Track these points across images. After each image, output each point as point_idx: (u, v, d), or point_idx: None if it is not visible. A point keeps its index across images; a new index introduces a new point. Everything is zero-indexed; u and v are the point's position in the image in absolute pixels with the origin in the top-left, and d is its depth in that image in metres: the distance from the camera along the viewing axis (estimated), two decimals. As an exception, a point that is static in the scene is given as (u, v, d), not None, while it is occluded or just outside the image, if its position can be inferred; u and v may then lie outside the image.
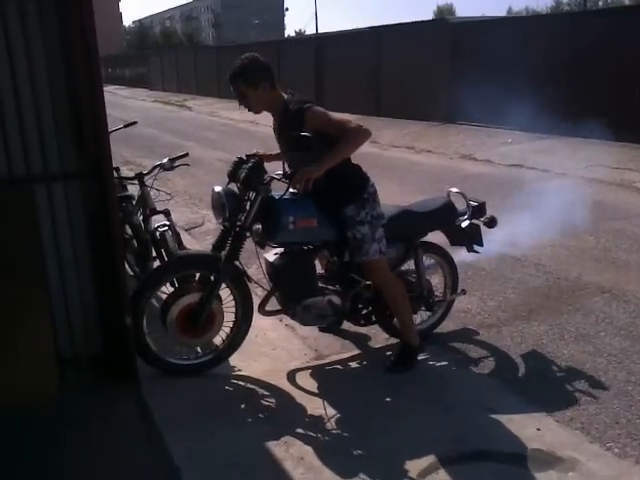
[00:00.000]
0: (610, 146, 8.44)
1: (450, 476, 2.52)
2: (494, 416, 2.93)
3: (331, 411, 3.00)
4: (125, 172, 5.42)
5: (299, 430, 2.85)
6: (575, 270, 4.71)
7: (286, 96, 3.13)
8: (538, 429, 2.82)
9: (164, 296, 3.42)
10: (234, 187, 3.25)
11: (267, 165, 3.24)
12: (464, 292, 3.80)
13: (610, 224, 5.39)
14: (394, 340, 3.62)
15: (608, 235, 5.29)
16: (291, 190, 3.12)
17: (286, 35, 71.95)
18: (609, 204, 5.90)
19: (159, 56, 30.92)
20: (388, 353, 3.55)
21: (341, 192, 3.16)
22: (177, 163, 4.31)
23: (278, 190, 3.16)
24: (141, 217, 4.26)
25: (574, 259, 4.89)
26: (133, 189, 4.42)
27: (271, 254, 3.33)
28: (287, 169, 3.18)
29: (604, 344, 3.61)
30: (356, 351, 3.62)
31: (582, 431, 2.82)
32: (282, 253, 3.27)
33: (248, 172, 3.12)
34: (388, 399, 3.13)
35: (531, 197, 5.83)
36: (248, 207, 3.16)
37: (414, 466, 2.58)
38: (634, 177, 7.42)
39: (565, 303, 4.18)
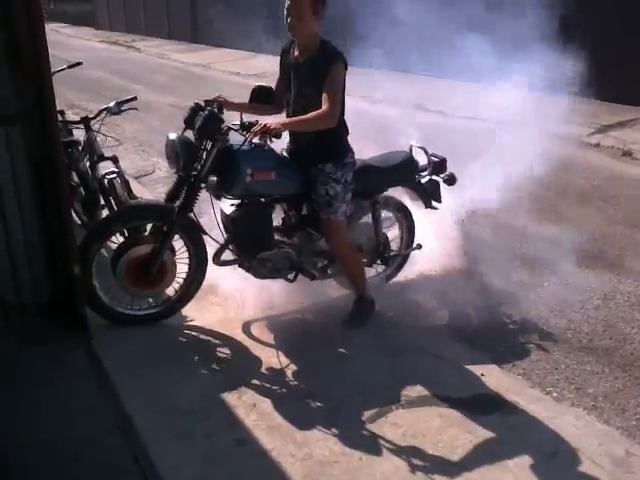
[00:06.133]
0: (564, 100, 8.57)
1: (398, 420, 2.62)
2: (441, 362, 3.04)
3: (284, 360, 3.05)
4: (70, 116, 5.17)
5: (252, 379, 2.90)
6: (522, 221, 4.84)
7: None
8: (482, 375, 2.94)
9: (114, 246, 3.35)
10: (190, 134, 3.15)
11: (225, 114, 3.14)
12: (420, 247, 3.80)
13: (558, 176, 5.51)
14: (346, 291, 3.67)
15: (557, 187, 5.43)
16: (253, 140, 3.05)
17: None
18: (559, 157, 6.01)
19: (105, -8, 29.31)
20: (337, 306, 3.60)
21: (324, 148, 3.13)
22: (125, 107, 4.15)
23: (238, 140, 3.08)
24: (88, 164, 4.12)
25: (522, 210, 5.00)
26: (79, 134, 4.25)
27: (227, 205, 3.26)
28: (245, 120, 3.10)
29: (547, 293, 3.75)
30: (309, 302, 3.65)
31: (524, 377, 2.96)
32: (239, 205, 3.21)
33: (204, 121, 3.03)
34: (339, 347, 3.19)
35: (483, 149, 5.89)
36: (204, 157, 3.08)
37: (364, 411, 2.66)
38: (583, 131, 7.58)
39: (511, 254, 4.30)
